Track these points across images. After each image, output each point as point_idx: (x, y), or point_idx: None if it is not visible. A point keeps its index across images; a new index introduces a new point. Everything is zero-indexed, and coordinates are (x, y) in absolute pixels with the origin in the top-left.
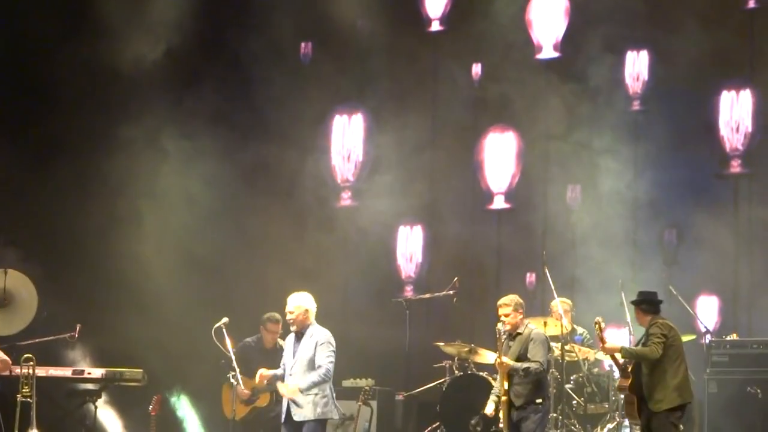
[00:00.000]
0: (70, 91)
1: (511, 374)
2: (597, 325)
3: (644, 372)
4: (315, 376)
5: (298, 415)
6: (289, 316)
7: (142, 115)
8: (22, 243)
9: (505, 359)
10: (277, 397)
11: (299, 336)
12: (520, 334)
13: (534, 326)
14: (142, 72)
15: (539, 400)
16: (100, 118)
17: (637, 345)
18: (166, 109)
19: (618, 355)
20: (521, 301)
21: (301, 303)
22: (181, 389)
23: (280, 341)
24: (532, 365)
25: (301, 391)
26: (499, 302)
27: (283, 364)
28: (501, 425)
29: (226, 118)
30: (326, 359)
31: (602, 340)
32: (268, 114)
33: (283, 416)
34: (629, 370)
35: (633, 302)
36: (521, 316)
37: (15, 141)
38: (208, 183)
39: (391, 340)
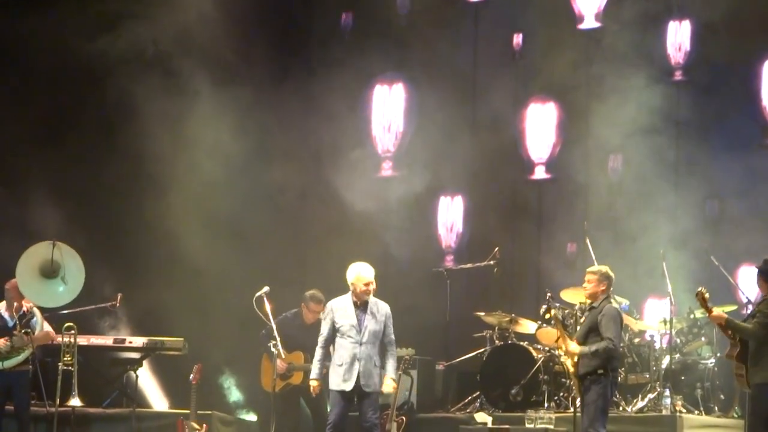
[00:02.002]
0: (101, 46)
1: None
2: (700, 295)
3: (750, 343)
4: (394, 357)
5: (368, 387)
6: (371, 287)
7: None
8: (62, 212)
9: (573, 346)
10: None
11: (363, 306)
12: (594, 308)
13: (612, 301)
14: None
15: (600, 371)
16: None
17: (747, 318)
18: (206, 77)
19: None
20: (611, 275)
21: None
22: (228, 372)
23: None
24: (600, 345)
25: (395, 381)
26: (588, 269)
27: (335, 327)
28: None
29: (267, 86)
30: (393, 334)
31: (708, 310)
32: (308, 84)
33: (351, 384)
34: (737, 339)
35: (759, 269)
36: (603, 288)
37: (46, 107)
38: (247, 153)
39: (432, 309)
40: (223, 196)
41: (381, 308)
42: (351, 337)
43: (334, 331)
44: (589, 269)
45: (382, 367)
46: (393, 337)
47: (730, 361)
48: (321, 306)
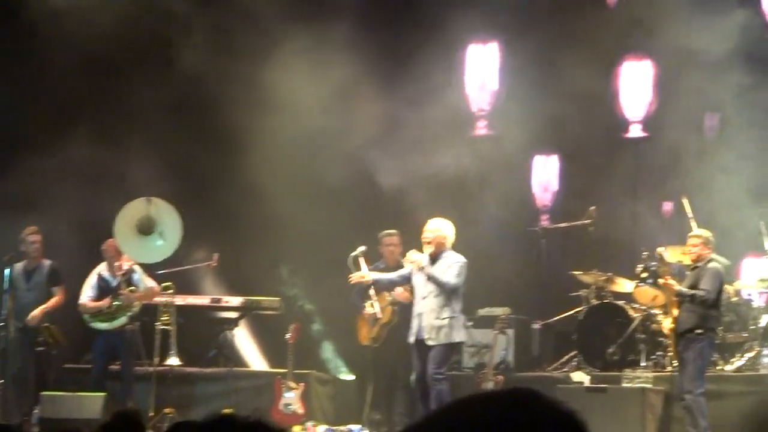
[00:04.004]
0: None
1: (680, 302)
2: None
3: None
4: (448, 277)
5: (431, 340)
6: (425, 236)
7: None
8: (155, 170)
9: (672, 282)
10: (401, 315)
11: (433, 260)
12: (697, 267)
13: (715, 263)
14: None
15: (699, 331)
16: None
17: None
18: (296, 29)
19: None
20: (712, 239)
21: (439, 227)
22: (324, 331)
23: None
24: (699, 292)
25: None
26: (690, 234)
27: (412, 281)
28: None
29: (360, 42)
30: (454, 276)
31: None
32: (401, 43)
33: (413, 338)
34: None
35: None
36: (708, 251)
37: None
38: (337, 109)
39: (527, 269)
40: (311, 153)
41: (449, 260)
42: (419, 290)
43: (408, 276)
44: (693, 233)
45: None
46: (451, 278)
47: None
48: (393, 238)
